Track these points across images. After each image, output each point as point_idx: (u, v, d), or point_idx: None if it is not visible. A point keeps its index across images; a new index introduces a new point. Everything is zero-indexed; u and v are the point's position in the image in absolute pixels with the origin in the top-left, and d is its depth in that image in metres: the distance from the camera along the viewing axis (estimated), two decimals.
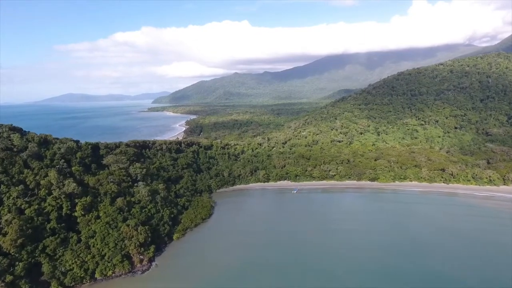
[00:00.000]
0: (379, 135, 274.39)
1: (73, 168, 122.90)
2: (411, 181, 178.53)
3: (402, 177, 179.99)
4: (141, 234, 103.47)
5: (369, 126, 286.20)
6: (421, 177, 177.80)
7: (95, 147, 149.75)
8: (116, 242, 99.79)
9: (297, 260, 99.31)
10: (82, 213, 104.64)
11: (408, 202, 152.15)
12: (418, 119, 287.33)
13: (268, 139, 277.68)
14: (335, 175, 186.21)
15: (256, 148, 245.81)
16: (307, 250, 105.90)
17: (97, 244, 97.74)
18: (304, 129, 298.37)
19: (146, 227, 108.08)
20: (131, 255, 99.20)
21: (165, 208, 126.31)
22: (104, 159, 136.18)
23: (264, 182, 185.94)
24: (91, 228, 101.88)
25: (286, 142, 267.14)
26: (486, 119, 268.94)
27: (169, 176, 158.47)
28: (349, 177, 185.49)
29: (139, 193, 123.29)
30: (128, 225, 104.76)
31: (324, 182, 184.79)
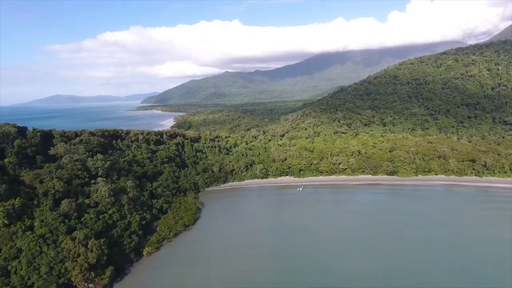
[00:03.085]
0: (385, 126, 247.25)
1: (5, 160, 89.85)
2: (437, 174, 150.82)
3: (425, 169, 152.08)
4: (92, 251, 71.44)
5: (373, 117, 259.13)
6: (449, 170, 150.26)
7: (47, 135, 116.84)
8: (52, 265, 67.53)
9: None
10: (6, 222, 71.97)
11: (439, 201, 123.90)
12: (427, 108, 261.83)
13: (264, 132, 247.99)
14: (346, 168, 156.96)
15: (251, 141, 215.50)
16: (324, 270, 76.12)
17: (21, 269, 65.29)
18: (303, 121, 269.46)
19: (102, 240, 76.04)
20: (75, 284, 67.09)
21: (134, 213, 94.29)
22: (51, 148, 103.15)
23: (262, 178, 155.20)
24: (15, 245, 69.26)
25: (284, 135, 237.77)
26: (502, 107, 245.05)
27: (144, 171, 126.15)
28: (363, 171, 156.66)
29: (96, 192, 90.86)
30: (73, 239, 72.56)
31: (333, 177, 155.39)
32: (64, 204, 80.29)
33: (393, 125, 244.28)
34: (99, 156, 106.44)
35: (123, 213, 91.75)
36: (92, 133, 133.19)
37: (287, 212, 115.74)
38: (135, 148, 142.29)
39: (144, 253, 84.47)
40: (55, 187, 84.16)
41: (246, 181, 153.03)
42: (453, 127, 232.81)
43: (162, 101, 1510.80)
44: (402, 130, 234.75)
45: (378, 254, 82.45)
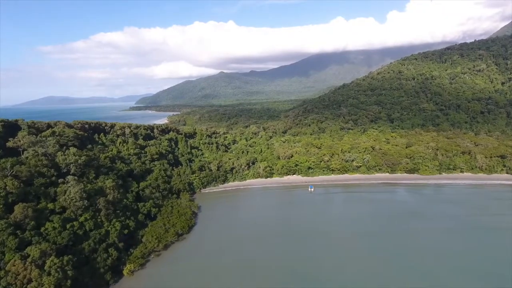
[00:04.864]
0: (393, 122, 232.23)
1: None
2: (462, 172, 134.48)
3: (450, 167, 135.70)
4: (50, 274, 52.49)
5: (380, 112, 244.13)
6: (476, 167, 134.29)
7: (12, 126, 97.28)
8: None
9: None
10: None
11: (474, 202, 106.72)
12: (437, 103, 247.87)
13: (264, 129, 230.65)
14: (360, 166, 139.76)
15: (251, 138, 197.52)
16: None
17: None
18: (306, 117, 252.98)
19: (66, 257, 57.08)
20: None
21: (114, 220, 75.23)
22: (10, 140, 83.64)
23: (266, 177, 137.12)
24: None
25: (286, 131, 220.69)
26: None
27: (130, 169, 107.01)
28: (380, 169, 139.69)
29: (64, 194, 71.62)
30: (24, 258, 53.52)
31: (346, 176, 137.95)
32: (18, 210, 61.02)
33: (402, 121, 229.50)
34: (72, 149, 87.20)
35: (99, 220, 72.66)
36: (69, 125, 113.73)
37: (300, 218, 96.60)
38: (120, 143, 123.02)
39: (125, 272, 65.49)
40: (7, 187, 64.83)
41: (248, 181, 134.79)
42: (466, 122, 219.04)
43: (156, 101, 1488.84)
44: (412, 126, 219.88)
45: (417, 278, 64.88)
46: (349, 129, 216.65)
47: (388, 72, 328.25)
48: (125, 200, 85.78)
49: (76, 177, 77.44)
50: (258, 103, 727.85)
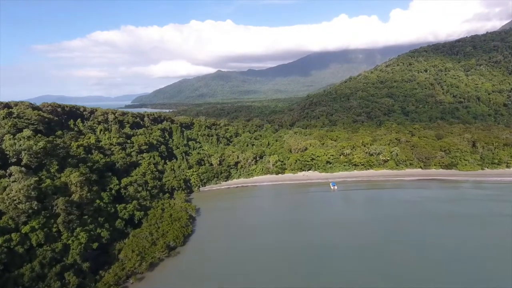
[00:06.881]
0: (408, 115, 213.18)
1: None
2: (509, 167, 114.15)
3: (495, 161, 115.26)
4: None
5: (393, 105, 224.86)
6: None
7: None
8: None
9: None
10: None
11: None
12: (454, 96, 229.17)
13: (269, 121, 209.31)
14: (388, 160, 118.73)
15: (255, 131, 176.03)
16: None
17: None
18: (313, 110, 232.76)
19: None
20: None
21: (78, 229, 53.03)
22: None
23: (277, 173, 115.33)
24: None
25: (294, 124, 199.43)
26: None
27: (111, 162, 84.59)
28: (410, 163, 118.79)
29: (3, 193, 49.34)
30: None
31: (371, 172, 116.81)
32: None
33: (418, 114, 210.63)
34: (26, 132, 64.73)
35: (54, 230, 50.48)
36: (35, 107, 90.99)
37: (328, 227, 74.32)
38: (101, 130, 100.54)
39: None
40: None
41: (256, 177, 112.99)
42: (489, 115, 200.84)
43: (152, 100, 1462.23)
44: (430, 119, 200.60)
45: None
46: (362, 121, 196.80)
47: (398, 65, 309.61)
48: (98, 201, 63.44)
49: (24, 169, 55.08)
50: (257, 101, 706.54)
